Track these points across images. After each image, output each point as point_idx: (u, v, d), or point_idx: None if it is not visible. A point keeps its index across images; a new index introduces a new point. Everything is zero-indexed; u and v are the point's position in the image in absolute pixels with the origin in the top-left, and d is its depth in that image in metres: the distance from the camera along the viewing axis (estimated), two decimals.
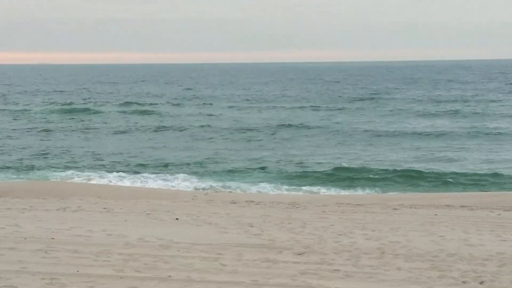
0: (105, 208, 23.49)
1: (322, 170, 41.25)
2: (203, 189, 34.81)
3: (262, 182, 36.88)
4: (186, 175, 39.34)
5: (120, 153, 51.89)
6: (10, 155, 51.16)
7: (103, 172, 41.39)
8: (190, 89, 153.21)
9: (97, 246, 17.11)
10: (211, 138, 61.07)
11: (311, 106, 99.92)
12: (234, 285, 13.64)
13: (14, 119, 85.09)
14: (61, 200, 26.00)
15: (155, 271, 14.68)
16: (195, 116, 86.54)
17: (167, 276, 14.26)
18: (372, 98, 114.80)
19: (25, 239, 17.91)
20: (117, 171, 41.30)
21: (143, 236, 18.28)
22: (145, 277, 14.15)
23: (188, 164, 44.95)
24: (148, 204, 24.74)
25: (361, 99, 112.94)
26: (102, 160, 48.78)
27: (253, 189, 35.37)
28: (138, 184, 36.30)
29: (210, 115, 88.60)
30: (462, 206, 23.63)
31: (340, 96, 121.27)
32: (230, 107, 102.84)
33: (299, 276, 14.29)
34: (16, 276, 14.05)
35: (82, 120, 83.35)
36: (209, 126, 73.40)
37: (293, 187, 35.75)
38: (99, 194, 28.83)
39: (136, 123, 78.70)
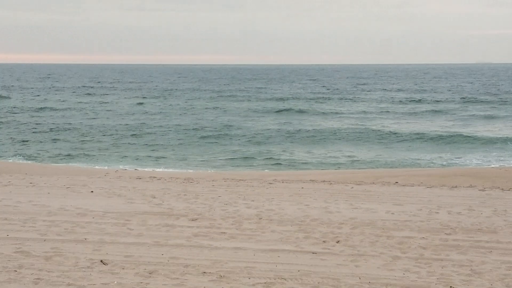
0: (31, 183, 23.32)
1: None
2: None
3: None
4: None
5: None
6: None
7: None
8: None
9: (24, 214, 17.46)
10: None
11: None
12: (139, 246, 14.23)
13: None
14: None
15: (73, 234, 15.26)
16: None
17: (83, 238, 14.82)
18: None
19: None
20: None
21: (63, 206, 18.58)
22: (65, 240, 14.68)
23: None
24: (68, 179, 24.41)
25: None
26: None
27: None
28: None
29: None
30: (323, 181, 24.06)
31: None
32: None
33: (192, 237, 15.09)
34: None
35: None
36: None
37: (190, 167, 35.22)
38: (26, 171, 28.40)
39: None
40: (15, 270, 12.07)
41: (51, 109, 69.77)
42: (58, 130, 50.72)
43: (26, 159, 36.51)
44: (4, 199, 19.71)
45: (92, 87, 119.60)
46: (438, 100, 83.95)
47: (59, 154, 38.83)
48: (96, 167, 32.83)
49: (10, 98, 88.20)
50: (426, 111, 67.87)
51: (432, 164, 34.16)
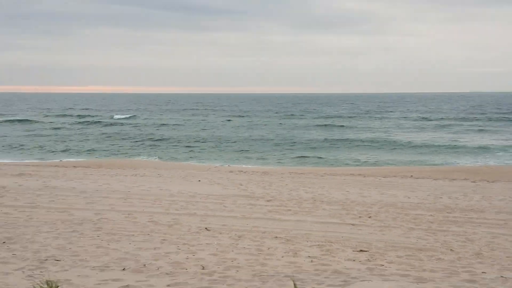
0: (158, 174, 23.85)
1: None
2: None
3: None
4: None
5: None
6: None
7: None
8: None
9: (154, 195, 17.90)
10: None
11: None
12: (231, 218, 14.57)
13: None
14: (134, 170, 26.23)
15: (187, 210, 15.66)
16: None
17: (193, 213, 15.22)
18: None
19: (113, 191, 18.69)
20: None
21: (180, 190, 18.95)
22: (181, 213, 15.12)
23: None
24: (183, 172, 24.80)
25: None
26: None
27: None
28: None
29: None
30: (359, 175, 23.90)
31: None
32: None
33: (268, 213, 15.36)
34: (108, 212, 15.09)
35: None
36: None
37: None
38: (155, 166, 29.01)
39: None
40: (148, 233, 12.51)
41: (167, 124, 70.72)
42: (174, 138, 51.61)
43: (155, 158, 37.32)
44: (140, 185, 20.20)
45: (197, 109, 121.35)
46: (441, 118, 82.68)
47: (177, 155, 39.62)
48: (202, 164, 33.20)
49: (138, 117, 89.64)
50: (433, 126, 67.32)
51: (436, 163, 33.92)
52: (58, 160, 33.36)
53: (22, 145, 44.80)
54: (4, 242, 11.54)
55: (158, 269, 9.63)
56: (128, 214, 14.84)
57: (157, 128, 63.38)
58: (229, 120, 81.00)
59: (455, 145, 44.67)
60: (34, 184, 19.98)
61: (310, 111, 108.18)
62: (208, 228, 13.14)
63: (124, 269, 9.65)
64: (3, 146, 43.96)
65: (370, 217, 14.88)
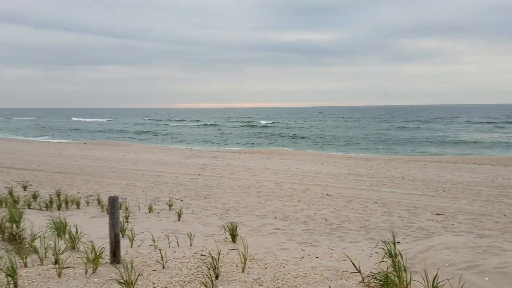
0: (295, 159, 23.73)
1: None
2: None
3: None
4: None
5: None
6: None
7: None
8: None
9: (292, 172, 17.87)
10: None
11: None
12: (343, 188, 14.16)
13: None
14: (279, 155, 26.22)
15: (314, 182, 15.46)
16: None
17: (318, 184, 15.01)
18: None
19: (267, 168, 18.89)
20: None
21: (309, 169, 18.75)
22: (311, 184, 14.96)
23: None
24: (311, 157, 24.67)
25: None
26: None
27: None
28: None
29: None
30: (436, 161, 22.59)
31: None
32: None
33: (369, 186, 14.77)
34: (264, 182, 15.25)
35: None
36: None
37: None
38: (293, 153, 29.18)
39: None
40: (289, 196, 12.68)
41: (299, 127, 70.29)
42: (304, 135, 51.03)
43: (293, 148, 37.19)
44: (284, 165, 20.40)
45: (318, 116, 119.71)
46: (496, 121, 73.56)
47: (306, 146, 39.25)
48: (323, 152, 32.71)
49: (279, 122, 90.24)
50: (490, 127, 60.04)
51: (493, 154, 30.49)
52: (234, 149, 34.68)
53: (212, 139, 47.26)
54: (205, 197, 12.32)
55: (296, 219, 9.74)
56: (277, 183, 15.10)
57: (291, 129, 63.37)
58: (341, 123, 78.88)
59: (507, 142, 39.95)
60: (221, 163, 21.03)
61: (397, 117, 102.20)
62: (328, 194, 13.03)
63: (275, 217, 9.87)
64: (204, 140, 46.66)
65: (444, 191, 13.81)
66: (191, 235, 6.89)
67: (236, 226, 7.03)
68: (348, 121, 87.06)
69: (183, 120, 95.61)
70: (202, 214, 10.03)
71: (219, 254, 4.83)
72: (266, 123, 78.61)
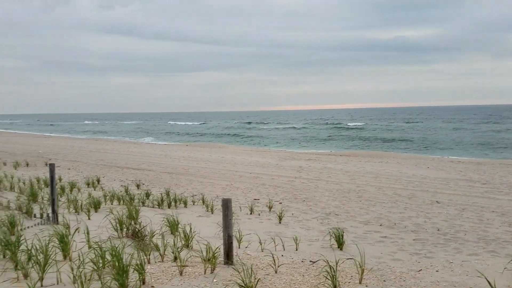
0: (397, 162, 22.54)
1: None
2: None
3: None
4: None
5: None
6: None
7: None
8: None
9: (395, 176, 16.80)
10: None
11: None
12: (455, 195, 13.04)
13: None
14: (379, 158, 24.82)
15: (420, 187, 14.46)
16: None
17: (426, 189, 14.03)
18: None
19: (367, 172, 18.21)
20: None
21: (414, 173, 17.60)
22: (416, 189, 14.03)
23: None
24: (415, 161, 23.48)
25: None
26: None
27: None
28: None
29: None
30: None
31: None
32: None
33: (484, 193, 13.32)
34: (365, 186, 14.74)
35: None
36: None
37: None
38: (393, 156, 27.60)
39: None
40: (394, 202, 12.01)
41: (394, 130, 66.55)
42: (401, 138, 48.13)
43: (390, 151, 35.37)
44: (385, 169, 19.40)
45: (418, 117, 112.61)
46: None
47: (406, 150, 37.01)
48: (427, 155, 30.49)
49: (368, 124, 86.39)
50: None
51: None
52: (329, 151, 34.10)
53: (304, 141, 46.96)
54: (304, 200, 12.23)
55: (405, 227, 9.18)
56: (379, 188, 14.43)
57: (389, 131, 60.13)
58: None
59: None
60: (317, 166, 20.79)
61: (507, 117, 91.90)
62: (438, 201, 12.10)
63: (380, 225, 9.42)
64: (296, 142, 46.64)
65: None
66: (296, 240, 6.86)
67: (343, 232, 6.84)
68: (451, 122, 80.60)
69: (273, 123, 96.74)
70: (303, 218, 9.96)
71: (337, 263, 4.66)
72: (356, 125, 76.04)
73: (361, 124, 78.99)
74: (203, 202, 11.14)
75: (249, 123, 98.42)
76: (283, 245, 6.66)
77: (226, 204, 5.13)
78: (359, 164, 21.62)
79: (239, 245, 6.55)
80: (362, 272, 4.57)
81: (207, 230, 7.91)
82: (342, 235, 6.74)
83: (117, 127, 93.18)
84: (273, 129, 74.81)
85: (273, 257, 5.05)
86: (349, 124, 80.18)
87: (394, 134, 53.21)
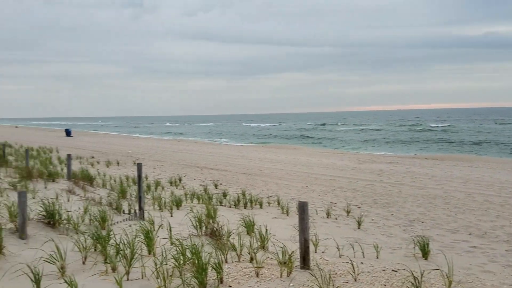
0: (489, 167, 20.81)
1: None
2: None
3: None
4: None
5: None
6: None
7: None
8: None
9: (486, 182, 15.56)
10: None
11: None
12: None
13: None
14: (469, 162, 23.24)
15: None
16: None
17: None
18: None
19: (454, 177, 17.02)
20: None
21: (509, 179, 16.24)
22: (511, 197, 12.99)
23: None
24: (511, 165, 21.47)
25: None
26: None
27: None
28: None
29: None
30: None
31: None
32: None
33: None
34: (452, 192, 13.79)
35: None
36: None
37: None
38: (485, 160, 25.66)
39: None
40: (485, 209, 11.06)
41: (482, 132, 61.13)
42: (491, 141, 44.13)
43: (478, 154, 32.55)
44: (475, 174, 17.95)
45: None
46: None
47: (500, 151, 33.88)
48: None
49: (454, 126, 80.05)
50: None
51: None
52: (413, 154, 32.43)
53: (382, 143, 45.15)
54: (385, 206, 11.72)
55: (496, 237, 8.41)
56: (468, 194, 13.37)
57: (472, 133, 55.47)
58: None
59: None
60: (400, 169, 19.84)
61: None
62: None
63: (470, 234, 8.72)
64: (375, 144, 45.03)
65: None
66: (377, 247, 6.58)
67: (428, 241, 6.42)
68: None
69: (350, 124, 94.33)
70: (384, 224, 9.54)
71: (422, 274, 4.37)
72: (439, 126, 71.24)
73: (445, 125, 74.09)
74: (279, 203, 11.15)
75: (324, 124, 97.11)
76: (362, 252, 6.43)
77: (303, 207, 5.05)
78: (446, 168, 20.27)
79: (315, 250, 6.43)
80: (450, 284, 4.24)
81: (282, 232, 7.88)
82: (428, 244, 6.33)
83: (194, 129, 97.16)
84: (350, 130, 73.02)
85: (352, 264, 4.86)
86: (431, 125, 75.68)
87: (483, 137, 49.05)
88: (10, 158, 19.48)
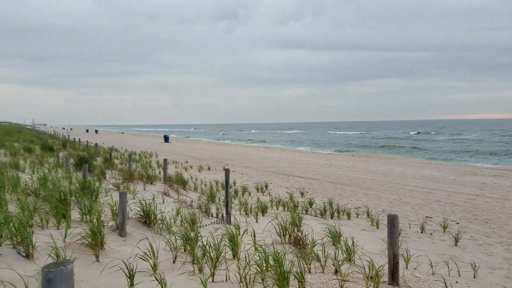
0: None
1: None
2: None
3: None
4: None
5: None
6: None
7: None
8: None
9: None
10: None
11: None
12: None
13: None
14: None
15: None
16: None
17: None
18: None
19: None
20: None
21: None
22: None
23: None
24: None
25: None
26: None
27: None
28: None
29: None
30: None
31: None
32: None
33: None
34: None
35: None
36: None
37: None
38: None
39: None
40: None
41: None
42: None
43: None
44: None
45: None
46: None
47: None
48: None
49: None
50: None
51: None
52: None
53: (485, 154, 41.17)
54: (486, 222, 10.69)
55: None
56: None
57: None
58: None
59: None
60: (505, 183, 17.96)
61: None
62: None
63: None
64: (475, 155, 41.33)
65: None
66: (474, 266, 6.02)
67: None
68: None
69: (447, 133, 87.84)
70: (484, 242, 8.70)
71: None
72: None
73: None
74: (368, 215, 10.74)
75: (418, 133, 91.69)
76: (458, 271, 5.92)
77: (392, 221, 4.79)
78: None
79: (406, 265, 6.07)
80: None
81: (370, 245, 7.57)
82: None
83: (277, 136, 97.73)
84: (448, 140, 67.98)
85: (445, 283, 4.50)
86: None
87: None
88: (116, 161, 21.35)
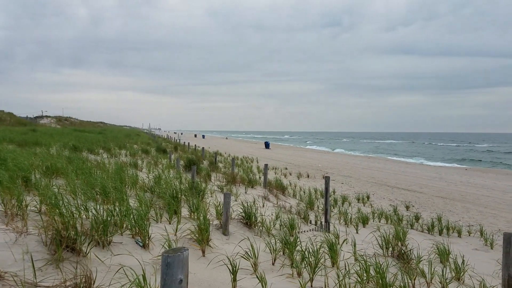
0: None
1: None
2: None
3: None
4: None
5: None
6: None
7: None
8: None
9: None
10: None
11: None
12: None
13: None
14: None
15: None
16: None
17: None
18: None
19: None
20: None
21: None
22: None
23: None
24: None
25: None
26: None
27: None
28: None
29: None
30: None
31: None
32: None
33: None
34: None
35: None
36: None
37: None
38: None
39: None
40: None
41: None
42: None
43: None
44: None
45: None
46: None
47: None
48: None
49: None
50: None
51: None
52: None
53: None
54: None
55: None
56: None
57: None
58: None
59: None
60: None
61: None
62: None
63: None
64: None
65: None
66: None
67: None
68: None
69: None
70: None
71: None
72: None
73: None
74: (481, 234, 9.86)
75: None
76: None
77: (509, 239, 4.39)
78: None
79: None
80: None
81: (482, 266, 6.96)
82: None
83: (368, 146, 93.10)
84: None
85: None
86: None
87: None
88: (220, 165, 22.51)
